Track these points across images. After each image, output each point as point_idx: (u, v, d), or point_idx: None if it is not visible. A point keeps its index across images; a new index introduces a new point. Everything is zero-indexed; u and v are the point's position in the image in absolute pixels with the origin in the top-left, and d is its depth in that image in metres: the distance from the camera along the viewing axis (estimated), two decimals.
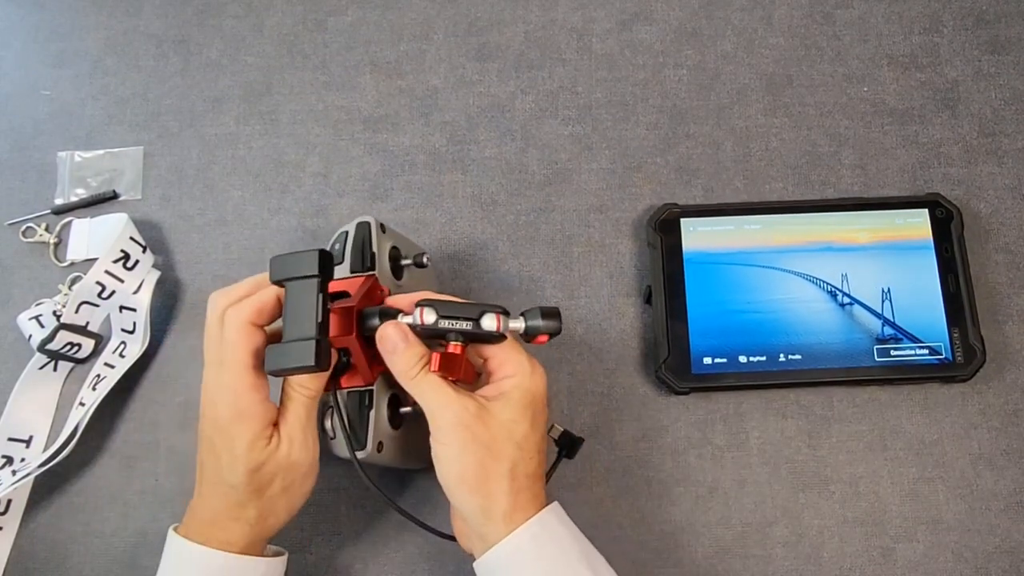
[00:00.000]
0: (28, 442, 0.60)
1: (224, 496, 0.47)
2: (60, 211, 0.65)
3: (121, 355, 0.61)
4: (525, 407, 0.47)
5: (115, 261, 0.60)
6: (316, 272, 0.44)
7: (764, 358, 0.58)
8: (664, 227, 0.61)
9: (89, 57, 0.70)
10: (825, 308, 0.59)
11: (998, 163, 0.64)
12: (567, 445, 0.54)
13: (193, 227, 0.65)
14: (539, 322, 0.47)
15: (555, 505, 0.47)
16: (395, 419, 0.50)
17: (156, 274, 0.62)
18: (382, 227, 0.53)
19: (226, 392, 0.46)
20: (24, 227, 0.65)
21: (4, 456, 0.59)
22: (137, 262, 0.61)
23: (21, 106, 0.69)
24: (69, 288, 0.63)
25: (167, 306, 0.63)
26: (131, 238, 0.61)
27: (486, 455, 0.45)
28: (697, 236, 0.61)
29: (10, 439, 0.60)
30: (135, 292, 0.61)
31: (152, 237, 0.64)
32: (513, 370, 0.47)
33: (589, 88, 0.67)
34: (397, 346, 0.46)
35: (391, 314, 0.47)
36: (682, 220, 0.61)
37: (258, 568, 0.48)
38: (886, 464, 0.58)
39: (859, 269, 0.60)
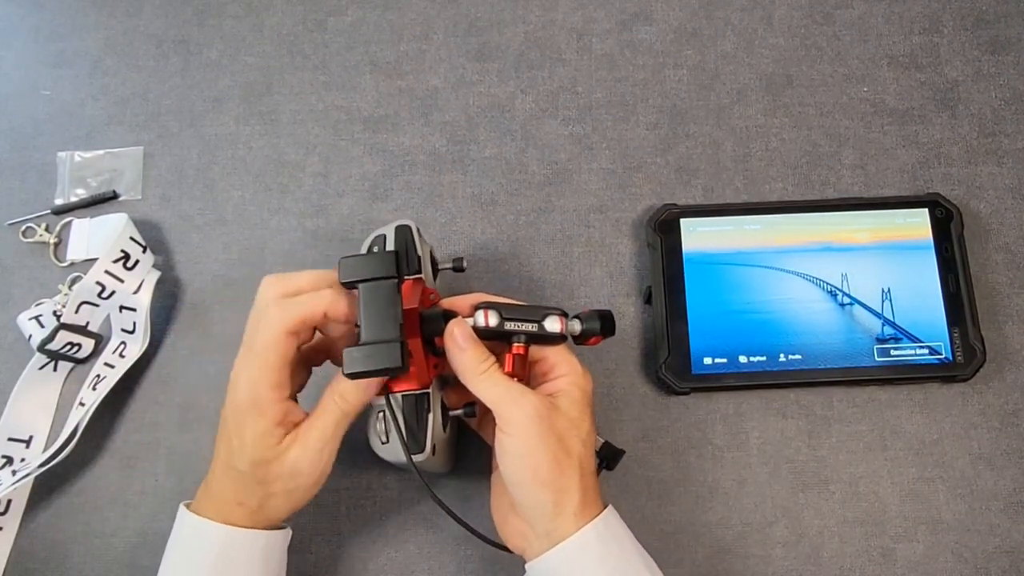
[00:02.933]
0: (28, 442, 0.60)
1: (231, 479, 0.47)
2: (60, 211, 0.65)
3: (121, 355, 0.61)
4: (584, 405, 0.48)
5: (115, 261, 0.60)
6: (395, 274, 0.45)
7: (764, 358, 0.58)
8: (664, 227, 0.61)
9: (89, 57, 0.70)
10: (825, 308, 0.59)
11: (998, 163, 0.64)
12: (608, 457, 0.53)
13: (193, 227, 0.65)
14: (596, 324, 0.48)
15: (612, 507, 0.48)
16: (444, 423, 0.50)
17: (156, 274, 0.62)
18: (418, 231, 0.52)
19: (248, 381, 0.46)
20: (24, 227, 0.65)
21: (4, 456, 0.59)
22: (137, 262, 0.61)
23: (21, 106, 0.69)
24: (69, 288, 0.63)
25: (167, 306, 0.63)
26: (131, 238, 0.61)
27: (559, 449, 0.46)
28: (697, 236, 0.61)
29: (10, 439, 0.60)
30: (135, 292, 0.61)
31: (152, 237, 0.64)
32: (567, 370, 0.49)
33: (589, 88, 0.67)
34: (466, 343, 0.47)
35: (452, 316, 0.47)
36: (682, 220, 0.61)
37: (258, 541, 0.48)
38: (886, 464, 0.58)
39: (859, 269, 0.60)
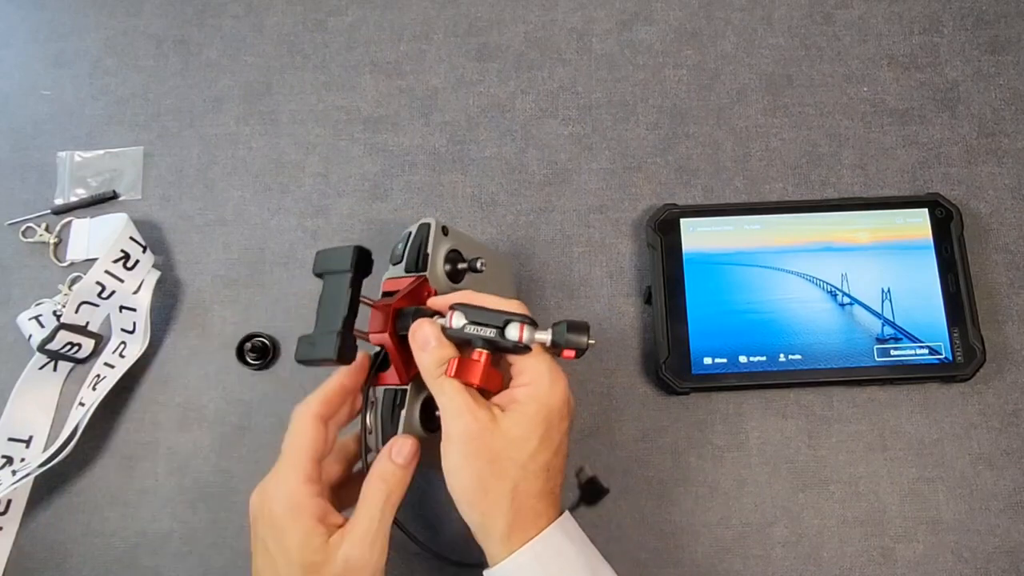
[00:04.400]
0: (28, 442, 0.60)
1: None
2: (60, 211, 0.65)
3: (121, 355, 0.61)
4: (537, 422, 0.44)
5: (115, 261, 0.60)
6: (348, 267, 0.45)
7: (764, 358, 0.58)
8: (664, 227, 0.61)
9: (89, 57, 0.70)
10: (825, 308, 0.59)
11: (998, 163, 0.64)
12: (591, 493, 0.52)
13: (193, 227, 0.65)
14: (566, 336, 0.45)
15: (563, 519, 0.46)
16: (429, 422, 0.49)
17: (156, 274, 0.62)
18: (444, 229, 0.52)
19: (281, 485, 0.44)
20: (24, 227, 0.65)
21: (4, 456, 0.59)
22: (137, 262, 0.61)
23: (21, 106, 0.69)
24: (69, 288, 0.63)
25: (167, 306, 0.63)
26: (131, 238, 0.61)
27: (487, 472, 0.43)
28: (697, 236, 0.61)
29: (10, 439, 0.60)
30: (135, 292, 0.61)
31: (152, 237, 0.64)
32: (530, 379, 0.45)
33: (589, 88, 0.67)
34: (427, 344, 0.45)
35: (426, 315, 0.47)
36: (682, 220, 0.61)
37: None
38: (886, 464, 0.58)
39: (859, 269, 0.60)
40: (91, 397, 0.59)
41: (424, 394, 0.49)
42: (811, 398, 0.59)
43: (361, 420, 0.48)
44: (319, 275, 0.46)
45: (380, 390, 0.49)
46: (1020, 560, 0.56)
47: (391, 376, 0.48)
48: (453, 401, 0.44)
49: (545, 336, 0.45)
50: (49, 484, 0.59)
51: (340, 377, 0.47)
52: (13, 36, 0.71)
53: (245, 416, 0.61)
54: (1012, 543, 0.56)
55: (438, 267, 0.51)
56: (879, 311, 0.59)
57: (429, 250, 0.51)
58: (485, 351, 0.45)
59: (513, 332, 0.45)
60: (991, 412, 0.59)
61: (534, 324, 0.45)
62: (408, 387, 0.48)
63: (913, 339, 0.59)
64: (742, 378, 0.58)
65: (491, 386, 0.46)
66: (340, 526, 0.44)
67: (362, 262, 0.46)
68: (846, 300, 0.60)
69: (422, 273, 0.50)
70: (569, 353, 0.45)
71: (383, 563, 0.44)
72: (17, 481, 0.56)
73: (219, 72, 0.69)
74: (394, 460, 0.45)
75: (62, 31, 0.71)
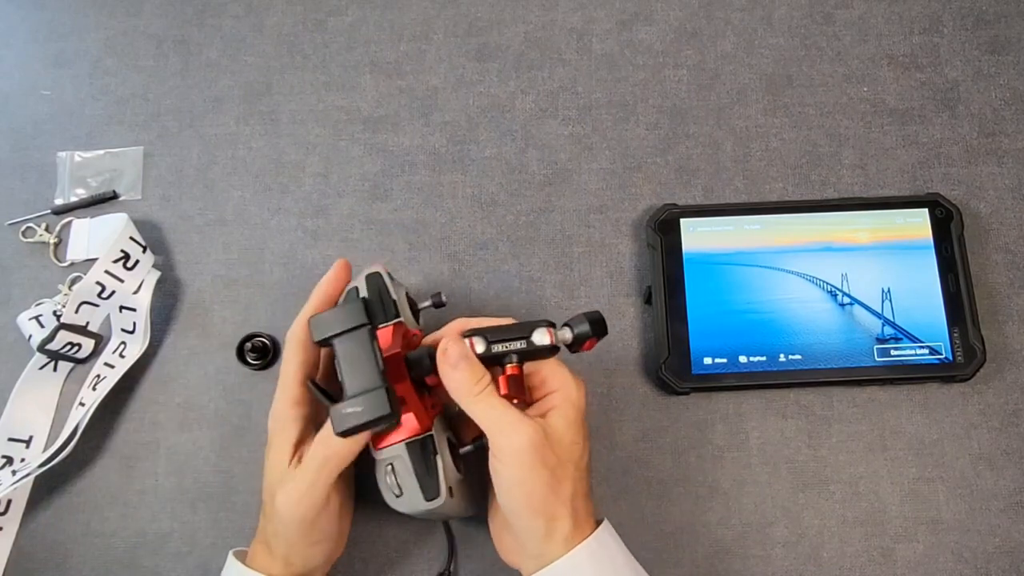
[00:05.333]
0: (28, 442, 0.60)
1: (261, 515, 0.49)
2: (60, 211, 0.65)
3: (121, 355, 0.61)
4: (579, 425, 0.47)
5: (115, 261, 0.60)
6: (366, 321, 0.43)
7: (764, 358, 0.58)
8: (664, 227, 0.61)
9: (89, 57, 0.70)
10: (825, 308, 0.59)
11: (998, 163, 0.64)
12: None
13: (193, 227, 0.65)
14: (586, 328, 0.46)
15: (607, 523, 0.48)
16: (456, 462, 0.49)
17: (156, 274, 0.62)
18: (389, 275, 0.51)
19: (274, 405, 0.48)
20: (24, 227, 0.65)
21: (4, 456, 0.59)
22: (137, 262, 0.61)
23: (21, 106, 0.69)
24: (69, 288, 0.63)
25: (167, 306, 0.63)
26: (131, 238, 0.61)
27: (553, 478, 0.45)
28: (697, 236, 0.61)
29: (10, 439, 0.60)
30: (135, 292, 0.61)
31: (152, 237, 0.64)
32: (559, 383, 0.47)
33: (589, 88, 0.67)
34: (460, 362, 0.45)
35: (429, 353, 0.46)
36: (682, 220, 0.61)
37: None
38: (886, 464, 0.58)
39: (859, 269, 0.60)
40: (91, 397, 0.59)
41: (445, 435, 0.48)
42: (811, 398, 0.59)
43: (413, 472, 0.47)
44: (324, 341, 0.44)
45: (394, 448, 0.47)
46: (1020, 560, 0.56)
47: (409, 427, 0.46)
48: (505, 415, 0.45)
49: (567, 333, 0.47)
50: (49, 484, 0.59)
51: (322, 291, 0.49)
52: (13, 36, 0.71)
53: (245, 416, 0.61)
54: (1012, 543, 0.56)
55: (406, 311, 0.50)
56: (879, 311, 0.59)
57: (394, 296, 0.49)
58: (516, 364, 0.46)
59: (543, 337, 0.46)
60: (991, 412, 0.59)
61: (552, 325, 0.46)
62: (432, 432, 0.47)
63: (913, 339, 0.59)
64: (742, 378, 0.58)
65: (526, 398, 0.47)
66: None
67: (372, 313, 0.44)
68: (846, 300, 0.60)
69: (398, 319, 0.49)
70: (589, 344, 0.47)
71: (311, 518, 0.46)
72: (17, 481, 0.56)
73: (219, 72, 0.69)
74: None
75: (62, 31, 0.71)
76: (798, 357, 0.58)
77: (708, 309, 0.59)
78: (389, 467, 0.47)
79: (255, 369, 0.61)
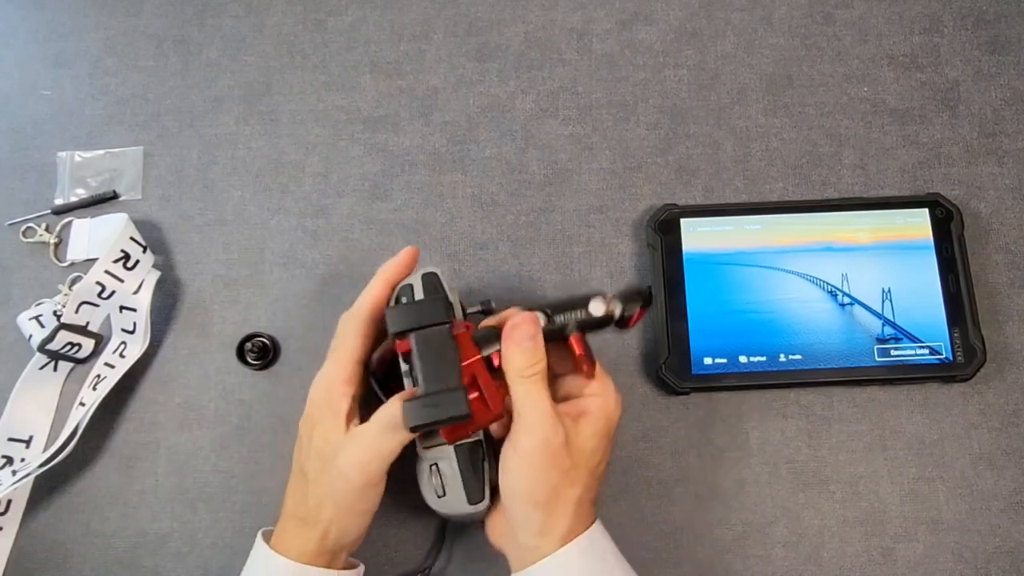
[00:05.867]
0: (28, 442, 0.60)
1: (298, 490, 0.48)
2: (60, 211, 0.65)
3: (121, 355, 0.61)
4: (605, 435, 0.47)
5: (115, 261, 0.60)
6: (446, 318, 0.43)
7: (764, 358, 0.58)
8: (664, 227, 0.61)
9: (89, 57, 0.70)
10: (825, 308, 0.59)
11: (998, 163, 0.64)
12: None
13: (193, 227, 0.65)
14: (636, 299, 0.48)
15: (599, 522, 0.48)
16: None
17: (156, 274, 0.62)
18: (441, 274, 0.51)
19: (323, 378, 0.48)
20: (24, 227, 0.65)
21: (4, 456, 0.59)
22: (137, 262, 0.61)
23: (21, 106, 0.69)
24: (69, 288, 0.63)
25: (167, 306, 0.63)
26: (131, 238, 0.61)
27: (562, 481, 0.45)
28: (697, 236, 0.61)
29: (10, 439, 0.60)
30: (135, 292, 0.61)
31: (152, 237, 0.64)
32: (600, 390, 0.48)
33: (589, 88, 0.67)
34: (526, 341, 0.45)
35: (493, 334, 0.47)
36: (682, 220, 0.61)
37: None
38: (886, 464, 0.58)
39: (859, 269, 0.60)
40: (91, 397, 0.59)
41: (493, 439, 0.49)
42: (811, 398, 0.59)
43: (461, 474, 0.48)
44: (400, 333, 0.44)
45: (441, 449, 0.47)
46: (1020, 560, 0.56)
47: (481, 412, 0.45)
48: (538, 407, 0.45)
49: (617, 307, 0.48)
50: (49, 484, 0.59)
51: (386, 276, 0.50)
52: (13, 36, 0.71)
53: (245, 416, 0.61)
54: (1012, 543, 0.56)
55: (459, 313, 0.50)
56: (879, 311, 0.59)
57: (451, 298, 0.49)
58: (578, 332, 0.47)
59: (598, 307, 0.47)
60: (991, 412, 0.59)
61: (605, 295, 0.48)
62: (480, 437, 0.47)
63: (913, 339, 0.59)
64: (742, 378, 0.58)
65: (593, 359, 0.48)
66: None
67: (453, 313, 0.44)
68: (846, 300, 0.60)
69: (465, 320, 0.49)
70: (639, 315, 0.48)
71: (376, 480, 0.46)
72: (17, 481, 0.56)
73: (219, 72, 0.69)
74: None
75: (62, 31, 0.71)
76: (798, 357, 0.58)
77: (708, 309, 0.59)
78: (434, 467, 0.48)
79: (255, 369, 0.61)
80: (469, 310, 0.53)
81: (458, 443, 0.47)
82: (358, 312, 0.49)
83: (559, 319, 0.47)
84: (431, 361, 0.43)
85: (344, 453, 0.46)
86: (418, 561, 0.56)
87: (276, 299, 0.63)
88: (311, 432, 0.48)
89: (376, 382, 0.50)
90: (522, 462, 0.45)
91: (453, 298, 0.50)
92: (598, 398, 0.48)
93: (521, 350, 0.45)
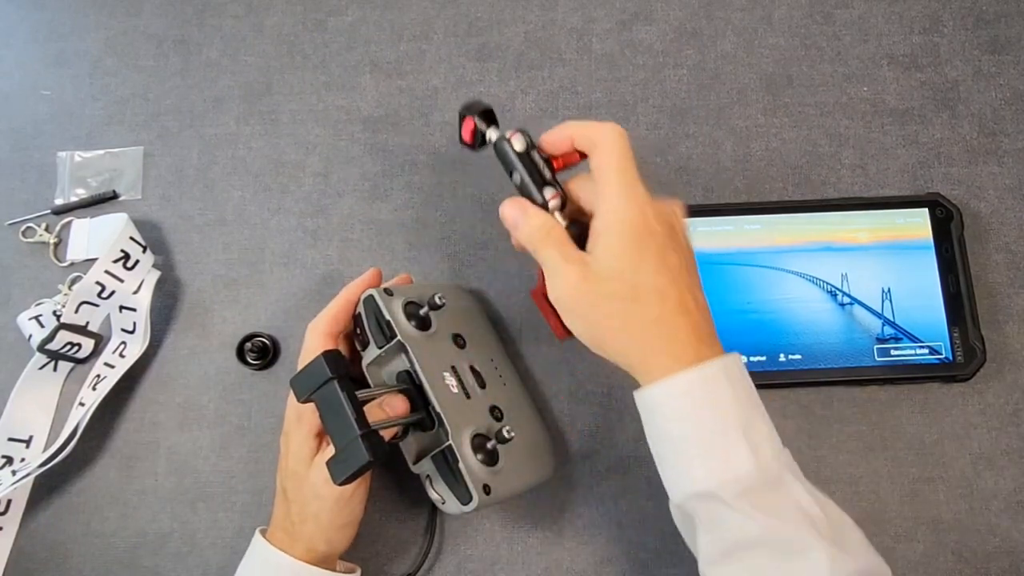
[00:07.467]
0: (28, 442, 0.60)
1: (281, 506, 0.51)
2: (60, 211, 0.65)
3: (121, 355, 0.61)
4: (622, 247, 0.42)
5: (115, 261, 0.60)
6: (330, 374, 0.44)
7: (764, 358, 0.58)
8: None
9: (89, 57, 0.70)
10: (825, 308, 0.59)
11: (998, 163, 0.64)
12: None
13: (193, 227, 0.65)
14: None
15: (727, 359, 0.43)
16: (489, 458, 0.50)
17: (156, 274, 0.62)
18: (388, 292, 0.52)
19: (292, 397, 0.49)
20: (24, 227, 0.65)
21: (4, 456, 0.59)
22: (137, 262, 0.61)
23: (21, 106, 0.69)
24: (69, 288, 0.63)
25: (167, 306, 0.63)
26: (131, 238, 0.61)
27: (599, 315, 0.43)
28: (697, 236, 0.61)
29: (10, 439, 0.60)
30: (135, 292, 0.61)
31: (152, 237, 0.64)
32: (601, 205, 0.43)
33: (589, 88, 0.67)
34: (518, 219, 0.46)
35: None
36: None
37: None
38: (886, 464, 0.58)
39: (859, 269, 0.60)
40: (91, 397, 0.59)
41: (471, 430, 0.49)
42: (811, 398, 0.59)
43: (446, 484, 0.49)
44: (306, 401, 0.45)
45: (423, 464, 0.50)
46: (1020, 560, 0.56)
47: (563, 333, 0.47)
48: (554, 263, 0.44)
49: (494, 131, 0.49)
50: (49, 484, 0.59)
51: (346, 295, 0.52)
52: (13, 36, 0.71)
53: (245, 416, 0.61)
54: (1012, 543, 0.56)
55: (403, 325, 0.51)
56: (879, 311, 0.59)
57: (388, 316, 0.50)
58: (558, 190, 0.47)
59: (519, 142, 0.48)
60: (991, 412, 0.59)
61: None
62: (451, 443, 0.48)
63: (913, 339, 0.59)
64: None
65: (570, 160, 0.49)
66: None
67: (337, 363, 0.45)
68: (846, 300, 0.60)
69: (395, 338, 0.50)
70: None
71: (348, 495, 0.49)
72: (17, 481, 0.56)
73: (219, 72, 0.69)
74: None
75: (62, 31, 0.71)
76: (798, 357, 0.58)
77: None
78: (427, 479, 0.50)
79: (255, 369, 0.61)
80: (422, 311, 0.53)
81: (434, 453, 0.49)
82: (319, 324, 0.52)
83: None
84: (331, 419, 0.44)
85: (313, 473, 0.49)
86: (418, 562, 0.56)
87: (276, 299, 0.63)
88: (287, 449, 0.50)
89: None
90: (564, 313, 0.44)
91: (395, 310, 0.51)
92: (599, 217, 0.43)
93: (526, 220, 0.45)
